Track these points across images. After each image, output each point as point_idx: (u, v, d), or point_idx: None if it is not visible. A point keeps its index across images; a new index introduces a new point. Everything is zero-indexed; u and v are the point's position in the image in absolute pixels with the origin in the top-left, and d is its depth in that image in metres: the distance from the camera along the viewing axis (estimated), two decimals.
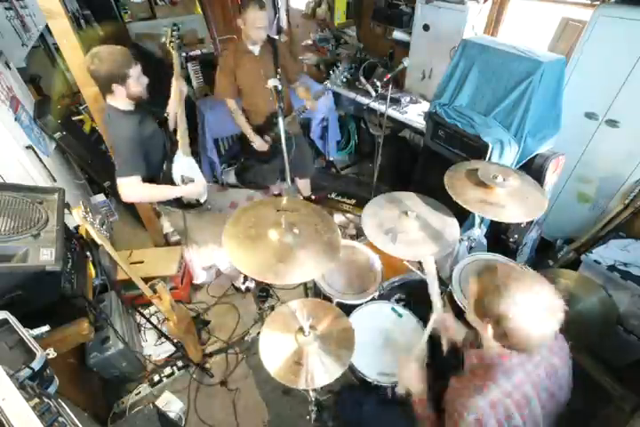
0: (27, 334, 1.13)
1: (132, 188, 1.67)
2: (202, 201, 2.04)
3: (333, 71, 2.45)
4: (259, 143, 2.54)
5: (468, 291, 1.03)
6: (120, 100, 1.69)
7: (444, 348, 1.38)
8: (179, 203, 1.97)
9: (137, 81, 1.67)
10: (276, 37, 2.71)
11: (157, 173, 1.85)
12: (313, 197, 3.28)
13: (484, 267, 1.01)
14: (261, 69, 2.37)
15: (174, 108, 1.97)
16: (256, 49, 2.35)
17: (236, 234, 1.42)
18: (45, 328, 1.26)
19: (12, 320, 1.15)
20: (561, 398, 1.07)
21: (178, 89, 1.95)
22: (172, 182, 1.87)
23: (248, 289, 2.67)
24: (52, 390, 1.10)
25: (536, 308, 0.88)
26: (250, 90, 2.44)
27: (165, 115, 2.02)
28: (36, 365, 1.03)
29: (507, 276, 0.92)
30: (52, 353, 1.20)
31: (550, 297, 0.90)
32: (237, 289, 2.67)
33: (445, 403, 1.02)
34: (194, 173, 1.96)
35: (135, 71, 1.65)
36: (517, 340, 0.91)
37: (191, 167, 1.95)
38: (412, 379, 1.24)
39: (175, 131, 1.91)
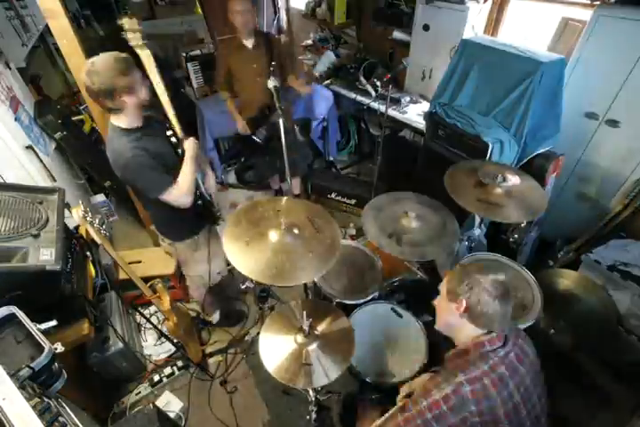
0: (35, 328, 1.14)
1: (179, 192, 1.57)
2: (209, 192, 1.86)
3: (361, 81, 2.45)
4: (241, 125, 2.62)
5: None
6: (130, 114, 1.51)
7: None
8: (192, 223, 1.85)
9: (142, 85, 1.48)
10: (275, 36, 2.72)
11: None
12: (313, 196, 3.28)
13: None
14: (254, 64, 2.41)
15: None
16: (249, 43, 2.40)
17: (235, 235, 1.42)
18: (53, 323, 1.26)
19: (20, 315, 1.15)
20: (538, 379, 1.13)
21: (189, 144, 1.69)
22: None
23: (248, 288, 2.66)
24: (59, 384, 1.10)
25: (490, 288, 1.05)
26: (243, 83, 2.48)
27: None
28: (40, 363, 1.03)
29: (469, 269, 1.13)
30: (59, 348, 1.20)
31: (502, 284, 1.07)
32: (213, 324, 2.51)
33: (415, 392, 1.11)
34: None
35: (137, 75, 1.46)
36: (479, 311, 1.05)
37: None
38: None
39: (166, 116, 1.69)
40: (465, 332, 1.11)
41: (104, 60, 1.40)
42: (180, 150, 1.68)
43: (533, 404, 1.09)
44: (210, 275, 2.05)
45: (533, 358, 1.13)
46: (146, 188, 1.56)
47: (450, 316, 1.12)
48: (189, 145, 1.64)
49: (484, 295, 1.05)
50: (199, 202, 1.78)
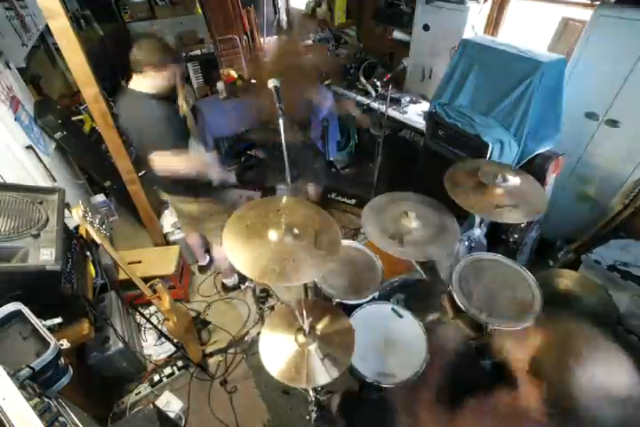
0: (40, 324, 1.14)
1: (163, 159, 1.76)
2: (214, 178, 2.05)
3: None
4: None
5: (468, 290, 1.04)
6: (147, 82, 1.75)
7: None
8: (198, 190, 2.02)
9: (160, 78, 1.75)
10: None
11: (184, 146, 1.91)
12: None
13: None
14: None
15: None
16: None
17: (235, 235, 1.41)
18: (58, 320, 1.27)
19: (26, 311, 1.16)
20: None
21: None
22: None
23: (247, 289, 2.67)
24: (66, 379, 1.11)
25: None
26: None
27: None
28: (45, 360, 1.04)
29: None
30: (65, 344, 1.21)
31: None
32: (227, 288, 2.69)
33: None
34: None
35: (174, 68, 1.77)
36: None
37: None
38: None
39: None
40: None
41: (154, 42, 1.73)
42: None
43: None
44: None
45: None
46: (159, 142, 1.75)
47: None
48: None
49: None
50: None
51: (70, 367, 1.14)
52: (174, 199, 2.16)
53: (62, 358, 1.11)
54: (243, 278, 2.66)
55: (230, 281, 2.67)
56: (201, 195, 2.08)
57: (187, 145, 1.92)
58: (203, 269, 2.90)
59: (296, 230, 1.39)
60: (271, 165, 2.85)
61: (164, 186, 2.10)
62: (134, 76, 1.77)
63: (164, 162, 1.79)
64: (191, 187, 2.00)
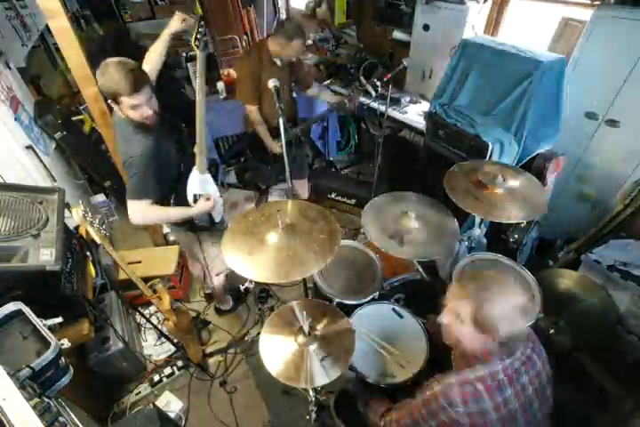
0: (41, 324, 1.14)
1: (142, 212, 1.58)
2: (217, 221, 1.87)
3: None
4: (277, 148, 2.56)
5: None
6: (131, 115, 1.52)
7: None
8: (191, 225, 1.84)
9: (131, 109, 1.47)
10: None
11: (170, 193, 1.72)
12: (313, 196, 3.28)
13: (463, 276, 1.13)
14: (281, 78, 2.41)
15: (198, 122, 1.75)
16: (279, 61, 2.43)
17: (235, 235, 1.42)
18: (58, 320, 1.27)
19: (27, 311, 1.16)
20: (544, 391, 1.13)
21: (200, 103, 1.72)
22: (185, 203, 1.72)
23: (247, 290, 2.67)
24: (67, 379, 1.12)
25: (519, 308, 1.01)
26: (267, 97, 2.47)
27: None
28: (46, 359, 1.04)
29: (480, 286, 1.05)
30: (66, 343, 1.21)
31: (518, 299, 1.02)
32: (221, 311, 2.59)
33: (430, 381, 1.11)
34: (209, 190, 1.77)
35: (132, 100, 1.44)
36: (510, 336, 1.02)
37: (206, 183, 1.76)
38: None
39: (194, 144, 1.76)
40: (480, 346, 1.07)
41: (116, 69, 1.39)
42: (183, 163, 1.75)
43: (534, 412, 1.09)
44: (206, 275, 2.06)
45: (541, 368, 1.12)
46: (129, 186, 1.55)
47: (475, 343, 1.06)
48: (200, 206, 1.68)
49: (517, 320, 1.01)
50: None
51: (71, 367, 1.14)
52: (174, 229, 2.05)
53: (63, 358, 1.11)
54: (237, 302, 2.60)
55: (225, 306, 2.57)
56: (197, 228, 1.91)
57: (175, 185, 1.72)
58: (209, 298, 2.67)
59: (296, 231, 1.40)
60: (261, 167, 2.86)
61: None
62: (114, 107, 1.53)
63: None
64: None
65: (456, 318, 1.07)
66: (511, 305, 1.01)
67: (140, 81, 1.43)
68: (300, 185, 3.12)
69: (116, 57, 1.44)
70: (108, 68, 1.40)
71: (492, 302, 1.01)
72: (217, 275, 2.22)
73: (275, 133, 2.56)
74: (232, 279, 2.49)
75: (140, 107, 1.47)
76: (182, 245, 2.27)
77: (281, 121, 1.68)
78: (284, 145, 1.74)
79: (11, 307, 1.16)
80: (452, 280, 1.71)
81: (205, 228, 1.89)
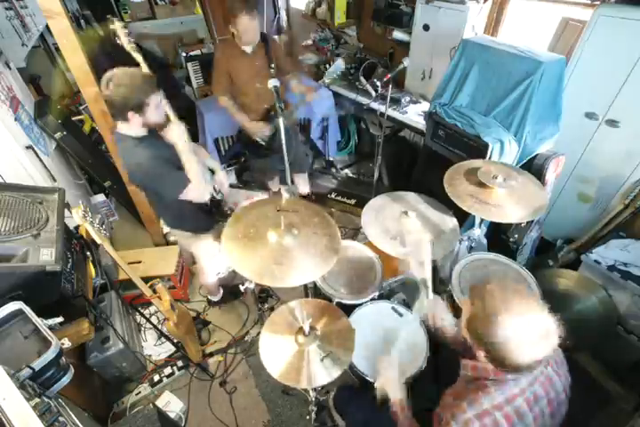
0: (42, 323, 1.14)
1: (194, 190, 1.63)
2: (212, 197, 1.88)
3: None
4: (257, 129, 2.52)
5: (467, 293, 1.07)
6: (134, 127, 1.55)
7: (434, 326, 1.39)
8: (191, 226, 1.93)
9: (156, 109, 1.52)
10: (275, 37, 2.73)
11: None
12: (313, 196, 3.28)
13: (476, 288, 1.02)
14: (255, 68, 2.39)
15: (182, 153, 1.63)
16: (249, 48, 2.38)
17: (234, 235, 1.42)
18: (59, 319, 1.27)
19: (27, 310, 1.16)
20: (559, 411, 1.07)
21: (174, 132, 1.59)
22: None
23: (247, 289, 2.67)
24: (67, 378, 1.12)
25: (528, 335, 0.91)
26: (243, 88, 2.46)
27: None
28: (46, 359, 1.04)
29: (498, 303, 0.94)
30: (66, 343, 1.21)
31: (542, 322, 0.92)
32: (212, 302, 2.60)
33: (441, 409, 1.03)
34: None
35: (155, 99, 1.50)
36: (509, 363, 0.93)
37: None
38: (389, 385, 1.28)
39: None
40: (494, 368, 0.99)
41: (133, 74, 1.45)
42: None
43: None
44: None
45: (559, 387, 1.05)
46: (167, 192, 1.63)
47: (489, 365, 0.99)
48: (172, 133, 1.59)
49: (516, 348, 0.90)
50: (207, 201, 1.81)
51: (71, 367, 1.14)
52: (177, 234, 2.07)
53: (63, 358, 1.11)
54: (228, 294, 2.60)
55: (216, 298, 2.56)
56: (200, 230, 1.98)
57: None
58: (214, 305, 2.63)
59: (295, 231, 1.40)
60: (259, 161, 2.86)
61: (169, 219, 2.00)
62: (118, 124, 1.55)
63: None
64: (194, 220, 1.91)
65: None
66: (536, 337, 0.91)
67: (155, 79, 1.52)
68: (299, 180, 3.12)
69: (115, 69, 1.45)
70: (123, 79, 1.42)
71: (511, 340, 0.90)
72: (217, 275, 2.22)
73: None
74: (230, 278, 2.51)
75: (159, 106, 1.54)
76: (182, 245, 2.28)
77: (281, 121, 1.69)
78: (284, 145, 1.75)
79: (11, 307, 1.16)
80: (452, 280, 1.71)
81: (205, 228, 1.89)
